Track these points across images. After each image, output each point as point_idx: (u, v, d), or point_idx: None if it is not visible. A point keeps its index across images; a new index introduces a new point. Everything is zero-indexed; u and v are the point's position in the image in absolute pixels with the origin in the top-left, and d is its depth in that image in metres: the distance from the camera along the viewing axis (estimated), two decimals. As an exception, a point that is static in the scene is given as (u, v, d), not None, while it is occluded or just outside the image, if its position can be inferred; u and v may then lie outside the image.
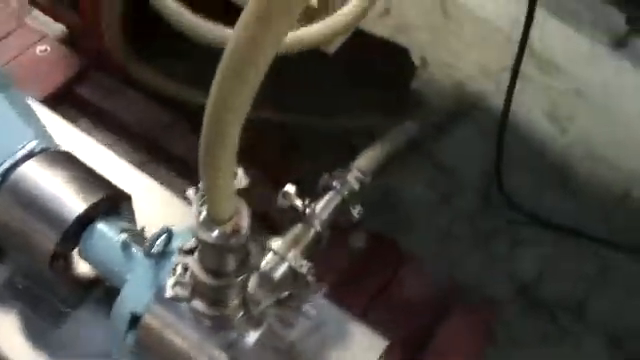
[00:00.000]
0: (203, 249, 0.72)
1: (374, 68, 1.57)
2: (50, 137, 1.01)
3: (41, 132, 0.99)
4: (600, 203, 1.59)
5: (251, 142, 1.42)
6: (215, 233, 0.68)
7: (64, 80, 1.48)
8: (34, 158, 0.94)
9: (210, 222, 0.67)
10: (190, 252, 0.74)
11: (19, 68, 1.47)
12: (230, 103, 0.53)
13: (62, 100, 1.49)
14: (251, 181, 0.70)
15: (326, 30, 1.01)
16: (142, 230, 0.94)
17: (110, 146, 1.48)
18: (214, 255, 0.72)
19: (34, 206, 0.91)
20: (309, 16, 1.06)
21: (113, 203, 0.95)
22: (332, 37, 1.04)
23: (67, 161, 0.97)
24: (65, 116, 1.48)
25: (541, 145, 1.67)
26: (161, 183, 1.46)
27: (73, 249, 0.94)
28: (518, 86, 1.43)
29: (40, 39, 1.54)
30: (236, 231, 0.68)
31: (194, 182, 1.45)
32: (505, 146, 1.49)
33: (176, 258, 0.75)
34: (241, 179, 0.69)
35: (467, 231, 1.53)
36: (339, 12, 1.02)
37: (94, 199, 0.92)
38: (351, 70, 1.60)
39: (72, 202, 0.91)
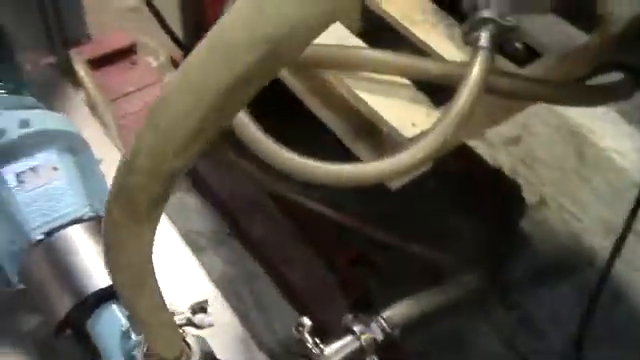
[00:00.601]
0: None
1: (480, 199, 1.49)
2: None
3: (98, 200, 1.02)
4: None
5: (324, 238, 1.41)
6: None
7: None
8: (80, 224, 0.97)
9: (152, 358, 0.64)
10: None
11: (138, 121, 1.56)
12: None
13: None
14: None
15: (391, 168, 0.93)
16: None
17: (197, 212, 1.54)
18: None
19: (61, 269, 0.94)
20: (378, 141, 1.00)
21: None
22: (397, 176, 0.97)
23: (110, 234, 0.99)
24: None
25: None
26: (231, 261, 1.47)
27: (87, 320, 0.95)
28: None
29: (169, 97, 1.61)
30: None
31: (263, 262, 1.45)
32: (604, 315, 1.34)
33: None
34: (207, 317, 0.66)
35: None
36: (412, 147, 0.93)
37: (117, 279, 0.93)
38: (454, 196, 1.53)
39: (97, 276, 0.93)
